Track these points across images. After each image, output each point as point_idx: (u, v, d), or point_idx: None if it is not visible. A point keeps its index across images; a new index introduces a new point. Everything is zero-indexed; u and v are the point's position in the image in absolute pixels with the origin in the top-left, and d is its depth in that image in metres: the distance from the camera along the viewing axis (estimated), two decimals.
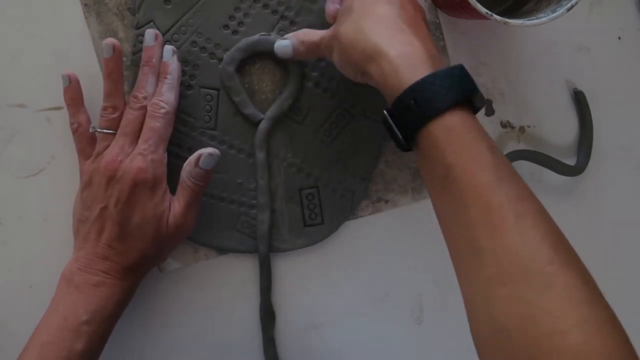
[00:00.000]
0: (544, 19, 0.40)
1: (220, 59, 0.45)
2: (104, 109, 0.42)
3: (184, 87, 0.45)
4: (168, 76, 0.42)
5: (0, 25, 0.45)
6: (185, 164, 0.42)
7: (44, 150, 0.46)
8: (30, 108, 0.46)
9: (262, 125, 0.46)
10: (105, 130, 0.42)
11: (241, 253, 0.48)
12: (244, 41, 0.45)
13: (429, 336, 0.50)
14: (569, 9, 0.40)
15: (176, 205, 0.42)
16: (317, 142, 0.47)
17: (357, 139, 0.47)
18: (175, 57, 0.43)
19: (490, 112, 0.50)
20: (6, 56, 0.45)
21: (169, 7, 0.45)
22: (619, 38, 0.51)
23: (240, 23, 0.45)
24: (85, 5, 0.45)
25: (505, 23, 0.40)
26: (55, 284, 0.41)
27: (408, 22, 0.37)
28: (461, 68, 0.34)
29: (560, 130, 0.51)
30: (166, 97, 0.42)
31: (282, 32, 0.45)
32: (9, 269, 0.46)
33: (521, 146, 0.50)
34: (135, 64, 0.44)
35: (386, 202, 0.49)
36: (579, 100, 0.50)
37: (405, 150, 0.36)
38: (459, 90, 0.33)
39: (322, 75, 0.46)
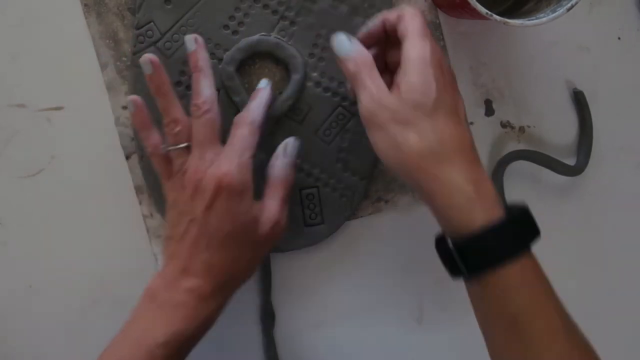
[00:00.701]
0: (544, 19, 0.40)
1: (220, 59, 0.45)
2: (167, 125, 0.40)
3: (184, 87, 0.45)
4: (203, 70, 0.40)
5: (0, 25, 0.45)
6: (272, 159, 0.42)
7: (44, 150, 0.46)
8: (30, 108, 0.46)
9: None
10: (176, 147, 0.40)
11: None
12: (244, 41, 0.45)
13: (429, 336, 0.50)
14: (569, 9, 0.40)
15: (271, 205, 0.40)
16: (317, 142, 0.47)
17: (357, 138, 0.47)
18: (201, 47, 0.41)
19: (490, 112, 0.50)
20: (6, 56, 0.45)
21: (169, 7, 0.45)
22: (619, 38, 0.51)
23: (240, 23, 0.45)
24: (85, 5, 0.45)
25: (505, 23, 0.40)
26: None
27: (456, 148, 0.36)
28: (527, 213, 0.35)
29: (560, 130, 0.51)
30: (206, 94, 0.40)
31: (282, 32, 0.45)
32: (9, 269, 0.46)
33: (521, 146, 0.50)
34: (135, 65, 0.44)
35: (386, 202, 0.49)
36: (579, 100, 0.50)
37: (457, 279, 0.36)
38: (527, 238, 0.35)
39: (322, 75, 0.46)
